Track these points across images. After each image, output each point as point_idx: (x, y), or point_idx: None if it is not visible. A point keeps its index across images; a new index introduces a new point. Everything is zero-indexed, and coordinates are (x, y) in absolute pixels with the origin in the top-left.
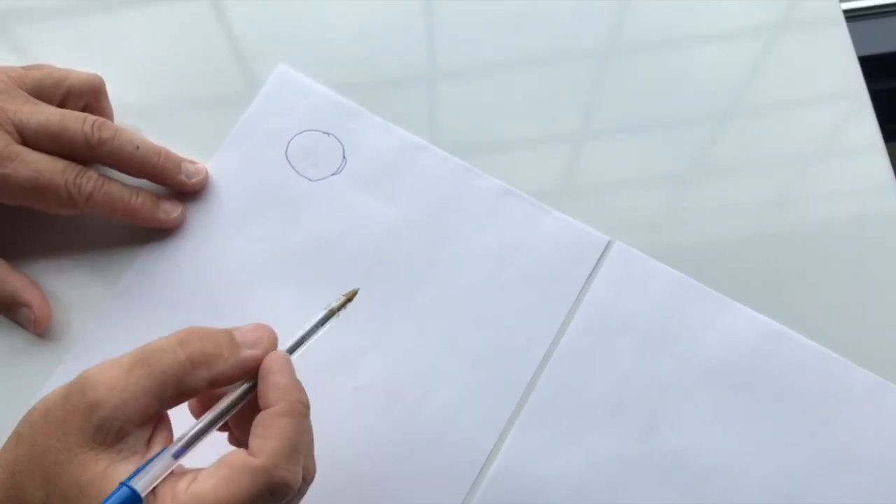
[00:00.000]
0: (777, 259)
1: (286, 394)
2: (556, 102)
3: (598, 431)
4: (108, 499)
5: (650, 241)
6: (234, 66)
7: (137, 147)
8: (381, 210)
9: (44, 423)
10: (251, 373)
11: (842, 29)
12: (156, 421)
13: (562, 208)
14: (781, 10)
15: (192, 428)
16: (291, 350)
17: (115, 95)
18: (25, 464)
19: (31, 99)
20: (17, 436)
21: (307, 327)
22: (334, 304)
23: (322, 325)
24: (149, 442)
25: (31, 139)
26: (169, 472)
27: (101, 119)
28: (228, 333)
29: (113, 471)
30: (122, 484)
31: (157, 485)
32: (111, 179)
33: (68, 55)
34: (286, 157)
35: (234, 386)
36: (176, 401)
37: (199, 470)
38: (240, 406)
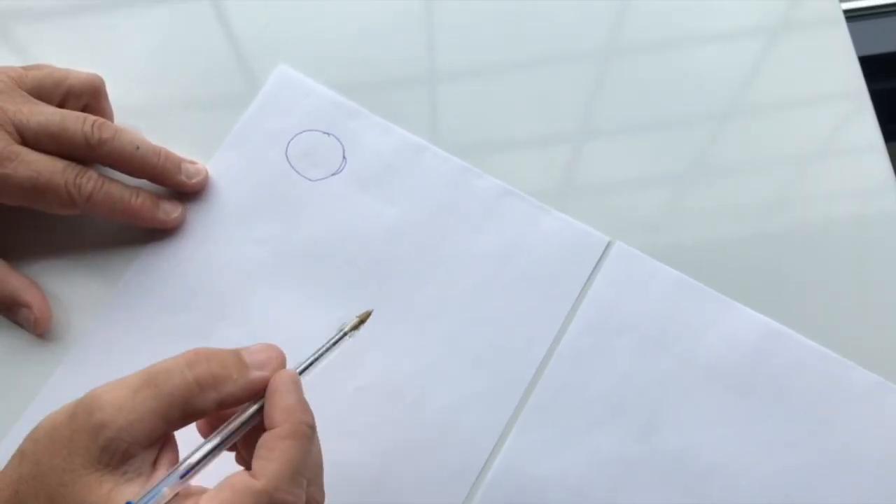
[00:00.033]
0: (777, 259)
1: (291, 415)
2: (556, 102)
3: (599, 431)
4: None
5: (650, 241)
6: (234, 66)
7: (137, 147)
8: (381, 210)
9: (49, 442)
10: (259, 393)
11: (842, 29)
12: (162, 442)
13: (562, 208)
14: (781, 10)
15: (198, 450)
16: (302, 371)
17: (115, 95)
18: (29, 483)
19: (31, 99)
20: (21, 454)
21: (319, 348)
22: (347, 326)
23: (334, 345)
24: (154, 463)
25: (30, 139)
26: (174, 496)
27: (101, 119)
28: (237, 354)
29: (117, 493)
30: None
31: None
32: (111, 179)
33: (68, 55)
34: (286, 157)
35: (241, 407)
36: (183, 422)
37: (202, 491)
38: (247, 428)
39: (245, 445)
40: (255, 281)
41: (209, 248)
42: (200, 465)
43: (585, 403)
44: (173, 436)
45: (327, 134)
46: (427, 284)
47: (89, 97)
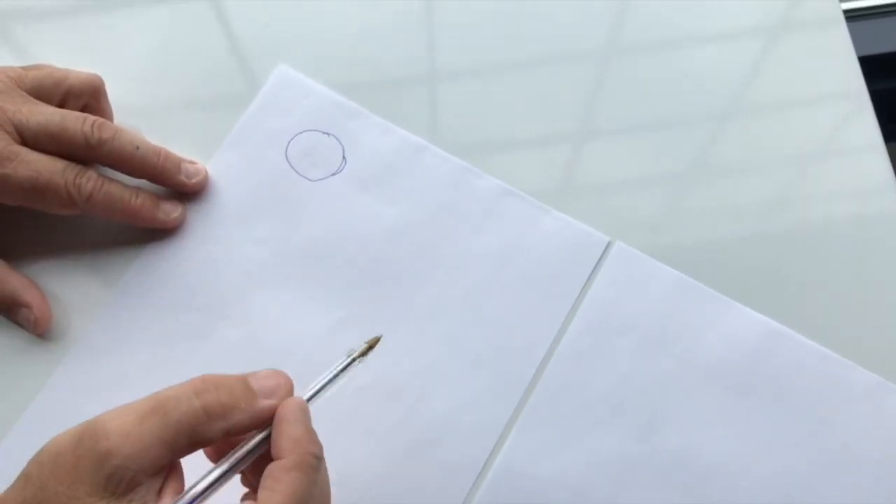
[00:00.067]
0: (777, 259)
1: (297, 445)
2: (556, 102)
3: (599, 431)
4: None
5: (650, 241)
6: (234, 66)
7: (137, 147)
8: (381, 210)
9: (53, 468)
10: (267, 421)
11: (842, 29)
12: (167, 470)
13: (562, 208)
14: (781, 10)
15: (203, 479)
16: (310, 398)
17: (115, 95)
18: None
19: (31, 99)
20: (25, 477)
21: (328, 374)
22: (356, 352)
23: (342, 371)
24: (160, 492)
25: (30, 139)
26: None
27: (101, 119)
28: (244, 382)
29: None
30: None
31: None
32: (111, 180)
33: (68, 55)
34: (286, 157)
35: (248, 435)
36: (189, 450)
37: None
38: (254, 456)
39: (252, 471)
40: (255, 281)
41: (209, 248)
42: (206, 494)
43: (585, 403)
44: (179, 463)
45: (327, 134)
46: (427, 284)
47: (89, 97)
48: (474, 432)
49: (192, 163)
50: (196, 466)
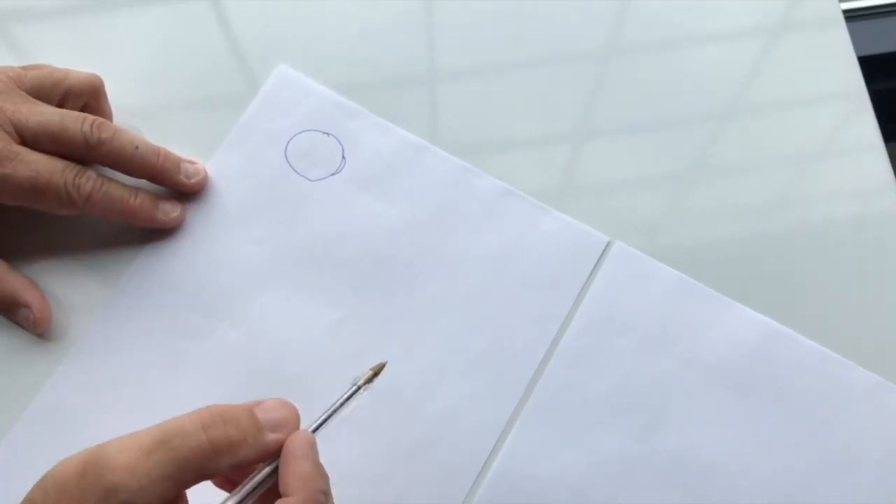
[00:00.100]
0: (777, 259)
1: (306, 483)
2: (556, 102)
3: (599, 431)
4: None
5: (650, 241)
6: (234, 66)
7: (137, 147)
8: (381, 210)
9: (57, 496)
10: (274, 454)
11: (841, 29)
12: (172, 502)
13: (562, 208)
14: (781, 11)
15: None
16: (317, 428)
17: (115, 95)
18: None
19: (30, 99)
20: (30, 502)
21: (334, 403)
22: (361, 379)
23: (349, 399)
24: None
25: (30, 139)
26: None
27: (101, 119)
28: (251, 415)
29: None
30: None
31: None
32: (110, 179)
33: (67, 55)
34: (286, 157)
35: (257, 468)
36: (195, 483)
37: None
38: (261, 490)
39: (259, 500)
40: (255, 281)
41: (208, 247)
42: None
43: (585, 403)
44: (185, 494)
45: (327, 134)
46: (427, 284)
47: (88, 97)
48: (474, 432)
49: (191, 163)
50: (200, 493)
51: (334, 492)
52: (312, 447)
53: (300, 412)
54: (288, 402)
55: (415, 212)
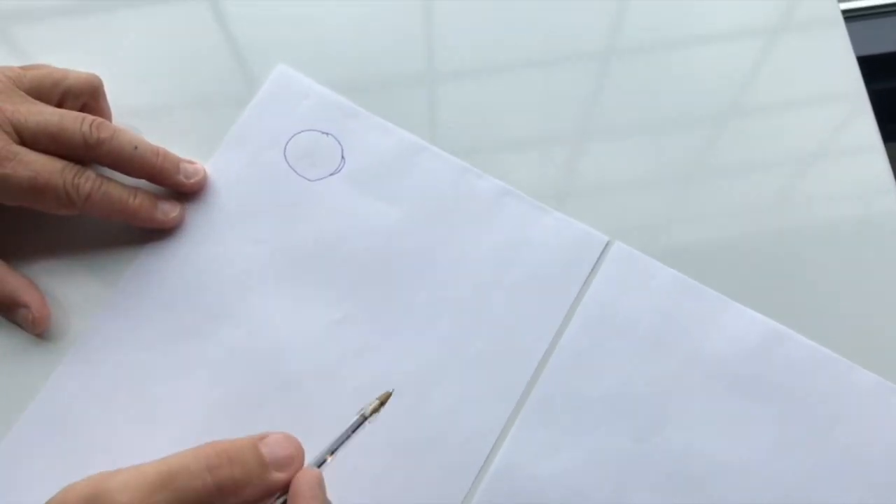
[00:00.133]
0: (777, 259)
1: None
2: (555, 102)
3: (598, 431)
4: None
5: (650, 241)
6: (233, 66)
7: (136, 147)
8: (380, 210)
9: None
10: (281, 490)
11: (840, 29)
12: None
13: (561, 208)
14: (780, 11)
15: None
16: (322, 464)
17: (114, 95)
18: None
19: (29, 99)
20: None
21: (339, 435)
22: (367, 410)
23: (354, 431)
24: None
25: (29, 139)
26: None
27: (100, 119)
28: (257, 453)
29: None
30: None
31: None
32: (109, 180)
33: (67, 55)
34: (285, 157)
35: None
36: None
37: None
38: None
39: None
40: (254, 280)
41: (208, 247)
42: None
43: (584, 403)
44: None
45: (326, 134)
46: (426, 284)
47: (87, 97)
48: (474, 432)
49: (190, 162)
50: None
51: (335, 491)
52: (320, 485)
53: (301, 413)
54: (292, 437)
55: (414, 212)
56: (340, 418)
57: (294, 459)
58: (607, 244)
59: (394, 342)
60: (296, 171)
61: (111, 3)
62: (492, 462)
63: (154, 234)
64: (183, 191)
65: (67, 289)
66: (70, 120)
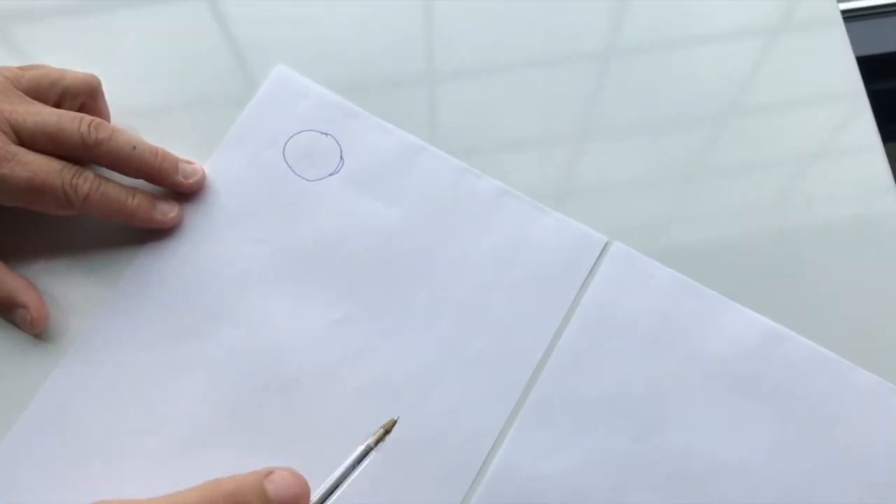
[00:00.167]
0: (776, 259)
1: None
2: (555, 103)
3: (597, 431)
4: None
5: (649, 242)
6: (232, 66)
7: (134, 147)
8: (380, 211)
9: None
10: None
11: (840, 29)
12: None
13: (560, 208)
14: (780, 11)
15: None
16: (325, 499)
17: (113, 95)
18: None
19: (28, 99)
20: None
21: (344, 469)
22: (371, 441)
23: (360, 461)
24: None
25: (27, 139)
26: None
27: (98, 119)
28: (262, 494)
29: None
30: None
31: None
32: (108, 180)
33: (66, 55)
34: (284, 157)
35: None
36: None
37: None
38: None
39: None
40: (254, 281)
41: (207, 248)
42: None
43: (584, 403)
44: None
45: (325, 134)
46: (425, 285)
47: (86, 97)
48: (473, 432)
49: (189, 163)
50: None
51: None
52: None
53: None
54: (298, 474)
55: (413, 212)
56: (340, 418)
57: (299, 499)
58: (606, 244)
59: (393, 342)
60: (295, 172)
61: (110, 3)
62: (491, 462)
63: (153, 234)
64: (182, 191)
65: (66, 289)
66: (68, 120)
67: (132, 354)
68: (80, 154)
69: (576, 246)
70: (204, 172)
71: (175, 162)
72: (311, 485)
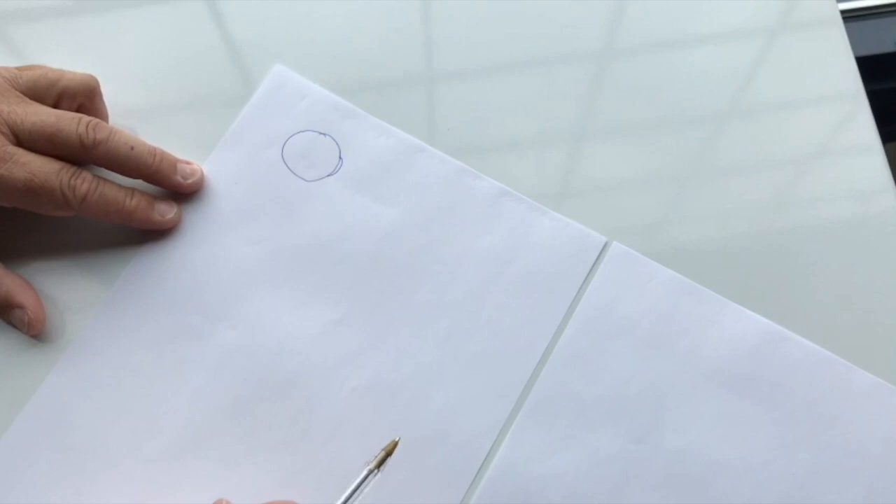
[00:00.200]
0: (776, 259)
1: None
2: (554, 103)
3: (597, 432)
4: None
5: (648, 242)
6: (231, 66)
7: (132, 148)
8: (378, 211)
9: None
10: None
11: (839, 29)
12: None
13: (559, 209)
14: (779, 11)
15: None
16: None
17: (111, 96)
18: None
19: (26, 99)
20: None
21: (347, 494)
22: (373, 465)
23: (362, 484)
24: None
25: (25, 140)
26: None
27: (96, 120)
28: None
29: None
30: None
31: None
32: (106, 181)
33: (64, 55)
34: (282, 157)
35: None
36: None
37: None
38: None
39: None
40: (252, 281)
41: (205, 248)
42: None
43: (583, 404)
44: None
45: (323, 134)
46: (424, 285)
47: (84, 97)
48: (472, 432)
49: (188, 163)
50: None
51: (333, 491)
52: None
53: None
54: None
55: (412, 213)
56: (339, 419)
57: None
58: (605, 245)
59: (392, 343)
60: (293, 172)
61: (108, 3)
62: (490, 462)
63: (151, 234)
64: (180, 191)
65: (64, 290)
66: (66, 121)
67: (130, 355)
68: (78, 154)
69: (575, 246)
70: (202, 173)
71: (173, 162)
72: (310, 485)
